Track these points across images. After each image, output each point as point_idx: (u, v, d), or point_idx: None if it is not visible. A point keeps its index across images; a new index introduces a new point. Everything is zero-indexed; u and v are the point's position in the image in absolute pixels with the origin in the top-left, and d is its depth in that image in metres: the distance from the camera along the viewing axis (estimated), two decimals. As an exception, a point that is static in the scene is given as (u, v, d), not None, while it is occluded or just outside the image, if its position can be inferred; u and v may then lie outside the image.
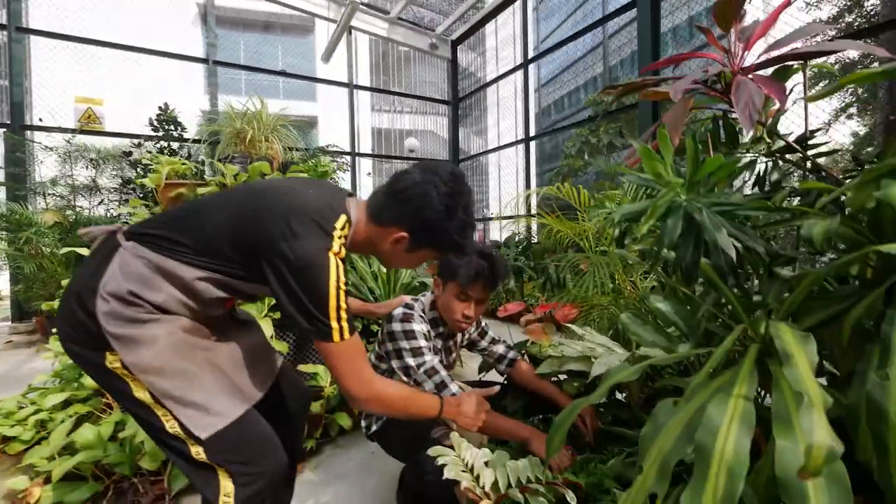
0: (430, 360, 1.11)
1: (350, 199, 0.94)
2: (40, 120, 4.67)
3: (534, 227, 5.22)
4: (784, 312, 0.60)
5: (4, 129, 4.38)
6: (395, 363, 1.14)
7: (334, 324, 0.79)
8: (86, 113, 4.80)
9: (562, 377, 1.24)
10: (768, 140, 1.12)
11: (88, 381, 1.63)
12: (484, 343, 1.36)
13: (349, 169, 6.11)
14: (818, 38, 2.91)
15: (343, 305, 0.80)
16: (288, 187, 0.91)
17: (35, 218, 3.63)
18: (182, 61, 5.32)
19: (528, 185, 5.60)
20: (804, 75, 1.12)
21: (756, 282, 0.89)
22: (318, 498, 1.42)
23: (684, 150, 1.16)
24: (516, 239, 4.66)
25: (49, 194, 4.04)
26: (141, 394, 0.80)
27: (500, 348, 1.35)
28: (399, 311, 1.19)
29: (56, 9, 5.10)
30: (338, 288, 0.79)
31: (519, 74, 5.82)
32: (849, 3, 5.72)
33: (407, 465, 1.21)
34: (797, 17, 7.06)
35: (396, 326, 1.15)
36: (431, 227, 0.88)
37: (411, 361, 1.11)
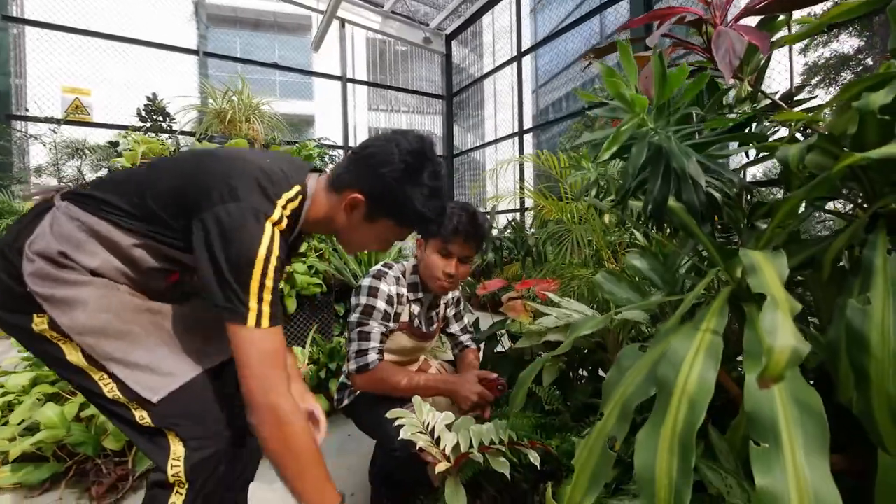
0: (373, 325, 1.06)
1: (314, 174, 0.86)
2: (26, 109, 4.60)
3: (528, 220, 5.18)
4: (761, 247, 0.55)
5: (-8, 119, 4.31)
6: (350, 317, 1.10)
7: (253, 303, 0.68)
8: (73, 103, 4.73)
9: (541, 350, 1.20)
10: (752, 101, 1.08)
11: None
12: (455, 328, 1.31)
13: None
14: None
15: (270, 286, 0.69)
16: (240, 151, 0.84)
17: (16, 206, 3.56)
18: (174, 52, 5.26)
19: (521, 178, 5.55)
20: (789, 28, 1.08)
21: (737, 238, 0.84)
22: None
23: (668, 106, 1.11)
24: (508, 232, 4.62)
25: (33, 183, 3.97)
26: (74, 357, 0.73)
27: (463, 338, 1.32)
28: (375, 267, 1.15)
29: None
30: (267, 261, 0.68)
31: (512, 68, 5.78)
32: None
33: (377, 442, 1.16)
34: None
35: (365, 281, 1.10)
36: (391, 190, 0.77)
37: (354, 317, 1.08)
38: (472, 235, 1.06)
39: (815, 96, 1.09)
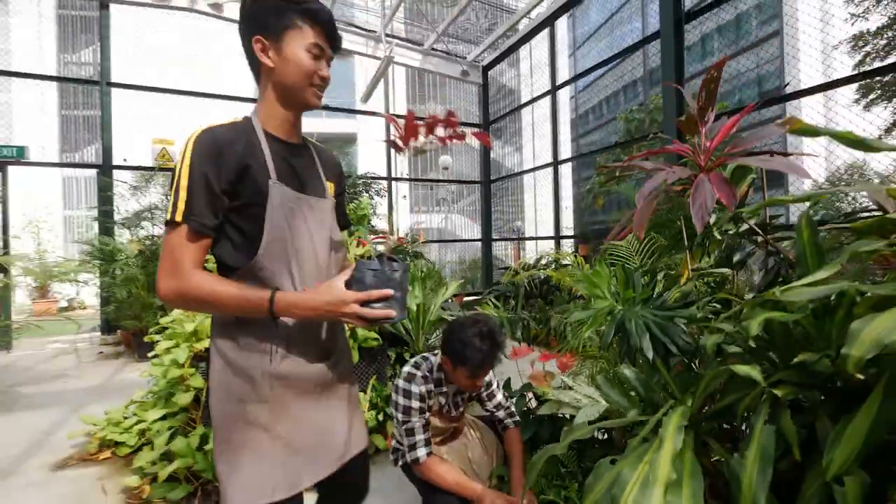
0: (414, 421, 1.36)
1: None
2: (125, 160, 5.40)
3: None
4: (697, 400, 0.82)
5: (97, 170, 5.12)
6: (394, 413, 1.41)
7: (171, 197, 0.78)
8: (160, 152, 5.50)
9: (560, 413, 1.47)
10: (735, 223, 1.31)
11: (181, 399, 2.02)
12: (489, 406, 1.57)
13: (386, 193, 6.52)
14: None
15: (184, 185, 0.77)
16: None
17: (123, 249, 4.25)
18: (242, 102, 5.96)
19: (556, 208, 5.76)
20: (763, 172, 1.31)
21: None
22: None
23: (659, 225, 1.40)
24: (543, 262, 4.84)
25: (133, 227, 4.67)
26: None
27: (500, 414, 1.56)
28: (406, 368, 1.44)
29: (133, 64, 5.88)
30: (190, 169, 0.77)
31: (547, 100, 6.01)
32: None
33: (423, 501, 1.48)
34: (842, 28, 6.76)
35: (400, 383, 1.41)
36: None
37: (399, 416, 1.38)
38: (495, 361, 1.33)
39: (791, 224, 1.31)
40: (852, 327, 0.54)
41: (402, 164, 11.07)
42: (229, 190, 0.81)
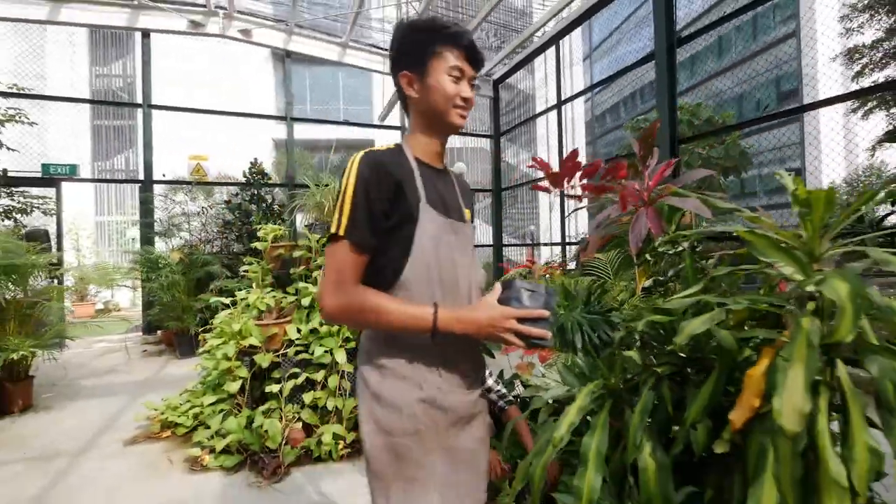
0: None
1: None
2: (163, 175, 5.93)
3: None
4: (616, 378, 1.15)
5: (139, 185, 5.65)
6: None
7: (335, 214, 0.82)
8: (196, 167, 6.01)
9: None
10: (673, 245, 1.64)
11: (230, 387, 2.41)
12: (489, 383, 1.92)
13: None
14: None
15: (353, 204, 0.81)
16: None
17: (165, 257, 4.73)
18: (265, 119, 6.45)
19: (561, 215, 6.06)
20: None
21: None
22: None
23: (618, 245, 1.75)
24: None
25: (174, 236, 5.16)
26: None
27: (492, 396, 1.81)
28: None
29: (170, 87, 6.44)
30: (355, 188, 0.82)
31: (554, 114, 6.32)
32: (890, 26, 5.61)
33: None
34: (839, 41, 6.89)
35: None
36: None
37: None
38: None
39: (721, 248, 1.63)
40: (681, 324, 0.88)
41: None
42: (386, 210, 0.84)
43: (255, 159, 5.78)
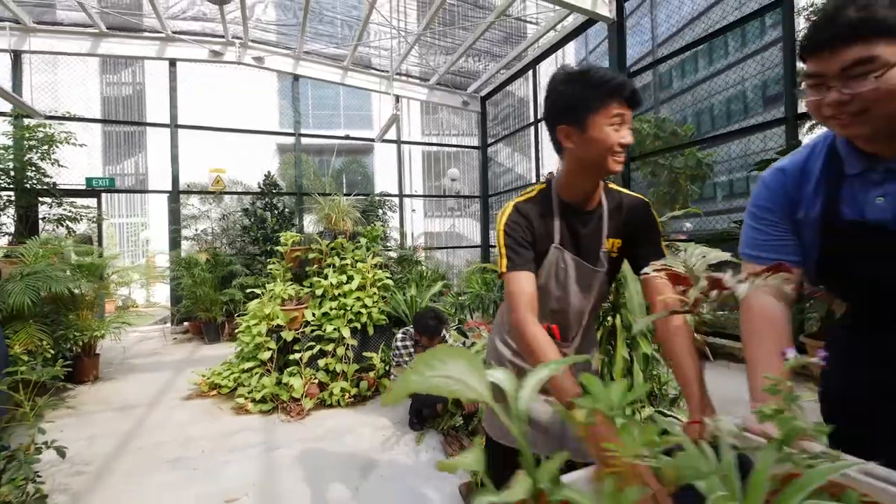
0: (402, 353, 2.54)
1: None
2: (188, 186, 6.73)
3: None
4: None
5: (168, 195, 6.45)
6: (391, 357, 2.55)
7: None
8: (216, 179, 6.82)
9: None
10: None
11: (263, 356, 3.20)
12: None
13: (398, 209, 7.72)
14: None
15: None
16: None
17: (195, 258, 5.54)
18: (279, 136, 7.25)
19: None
20: None
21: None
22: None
23: None
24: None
25: (201, 240, 5.97)
26: None
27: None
28: (398, 334, 2.62)
29: (192, 109, 7.24)
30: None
31: (531, 130, 7.12)
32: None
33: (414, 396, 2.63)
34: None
35: (396, 341, 2.57)
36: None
37: (394, 356, 2.55)
38: (439, 331, 2.30)
39: None
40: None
41: (416, 162, 12.34)
42: (529, 249, 1.01)
43: (269, 172, 6.59)
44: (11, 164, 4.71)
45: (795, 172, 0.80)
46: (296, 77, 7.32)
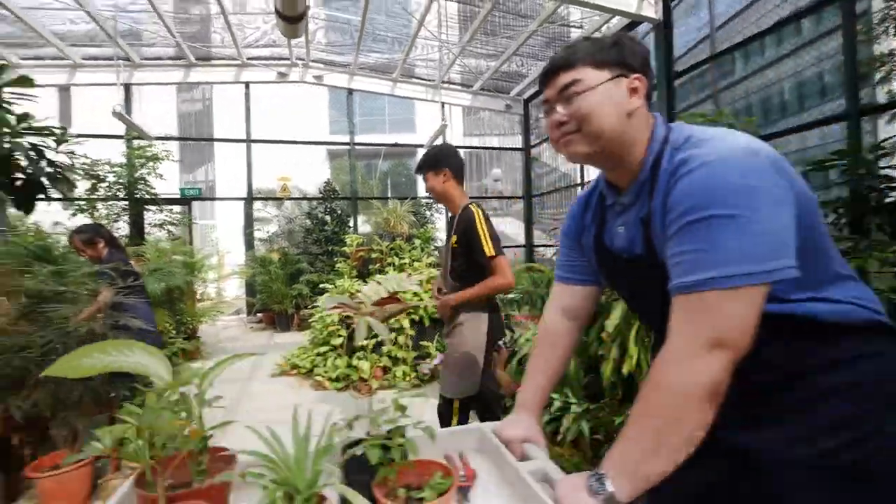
0: None
1: None
2: (258, 192, 7.58)
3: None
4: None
5: (244, 201, 7.32)
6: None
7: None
8: (283, 186, 7.62)
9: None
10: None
11: (335, 341, 3.76)
12: None
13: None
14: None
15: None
16: None
17: (269, 257, 6.32)
18: (335, 146, 7.94)
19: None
20: None
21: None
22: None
23: None
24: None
25: (273, 241, 6.76)
26: None
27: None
28: None
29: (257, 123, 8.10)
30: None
31: (574, 131, 7.29)
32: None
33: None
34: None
35: None
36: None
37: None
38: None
39: None
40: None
41: None
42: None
43: (328, 180, 7.28)
44: (126, 180, 5.66)
45: (582, 202, 0.92)
46: (350, 91, 7.96)
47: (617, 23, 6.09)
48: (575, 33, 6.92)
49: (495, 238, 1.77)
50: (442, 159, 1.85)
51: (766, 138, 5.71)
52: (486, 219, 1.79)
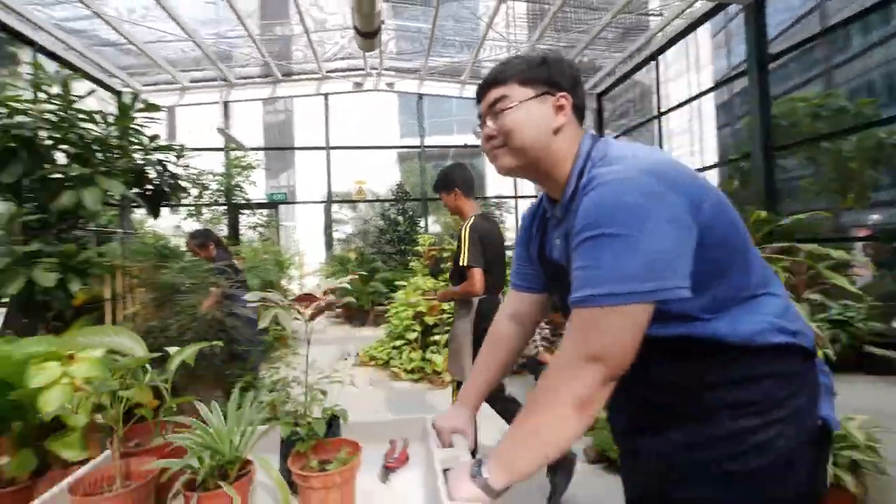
0: None
1: None
2: (335, 195, 8.12)
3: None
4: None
5: (324, 204, 7.90)
6: None
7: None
8: (359, 189, 8.10)
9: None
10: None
11: (410, 336, 3.94)
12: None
13: (513, 210, 8.15)
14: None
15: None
16: None
17: (347, 256, 6.76)
18: (406, 150, 8.27)
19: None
20: None
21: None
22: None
23: None
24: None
25: (350, 241, 7.22)
26: None
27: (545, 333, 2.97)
28: None
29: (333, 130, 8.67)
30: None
31: (654, 123, 6.89)
32: None
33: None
34: None
35: None
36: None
37: None
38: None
39: None
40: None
41: (527, 183, 12.59)
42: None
43: (401, 183, 7.60)
44: (225, 187, 6.38)
45: (529, 214, 0.94)
46: (420, 96, 8.22)
47: (701, 6, 5.63)
48: (654, 21, 6.52)
49: (476, 250, 1.96)
50: (451, 180, 2.12)
51: (891, 120, 4.92)
52: (475, 230, 1.99)
